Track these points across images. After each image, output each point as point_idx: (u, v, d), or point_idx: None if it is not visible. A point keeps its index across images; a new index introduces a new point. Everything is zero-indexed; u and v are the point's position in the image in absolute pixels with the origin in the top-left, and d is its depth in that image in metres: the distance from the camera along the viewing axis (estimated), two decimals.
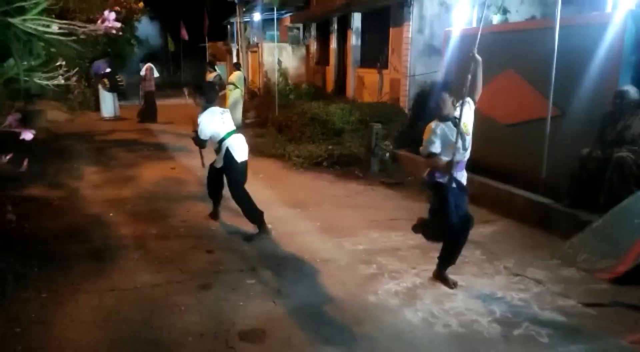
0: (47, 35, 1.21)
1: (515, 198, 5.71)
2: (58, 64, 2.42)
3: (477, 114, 7.00)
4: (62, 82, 2.39)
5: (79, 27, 1.24)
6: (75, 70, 2.37)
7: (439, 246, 4.75)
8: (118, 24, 1.26)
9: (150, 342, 3.15)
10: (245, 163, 5.12)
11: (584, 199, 4.96)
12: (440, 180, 3.82)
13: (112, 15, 1.23)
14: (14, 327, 3.24)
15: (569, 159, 5.31)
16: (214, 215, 5.63)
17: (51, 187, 6.66)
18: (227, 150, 4.97)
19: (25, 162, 1.59)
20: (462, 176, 3.92)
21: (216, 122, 4.99)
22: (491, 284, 4.03)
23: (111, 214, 5.64)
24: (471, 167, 6.61)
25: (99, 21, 1.24)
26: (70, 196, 6.34)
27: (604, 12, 5.58)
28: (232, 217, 5.65)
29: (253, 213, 5.09)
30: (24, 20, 1.20)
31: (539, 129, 5.84)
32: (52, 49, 1.83)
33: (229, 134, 5.02)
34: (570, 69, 5.51)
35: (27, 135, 1.35)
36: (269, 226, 5.23)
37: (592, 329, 3.38)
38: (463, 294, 3.83)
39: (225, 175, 5.16)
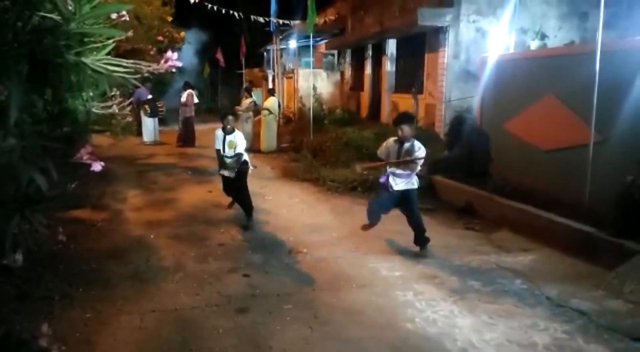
0: (114, 74, 1.31)
1: (556, 226, 5.57)
2: (112, 94, 2.57)
3: (516, 139, 7.00)
4: (117, 111, 2.53)
5: (144, 66, 1.34)
6: (129, 100, 2.49)
7: (479, 275, 4.75)
8: (180, 63, 1.35)
9: None
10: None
11: (629, 227, 4.80)
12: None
13: (175, 55, 1.32)
14: (60, 346, 3.34)
15: (612, 186, 5.18)
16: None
17: (95, 209, 6.90)
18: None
19: (90, 189, 1.69)
20: (397, 184, 5.29)
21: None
22: (533, 315, 3.92)
23: (152, 236, 5.79)
24: (510, 192, 6.62)
25: (162, 61, 1.34)
26: (113, 218, 6.55)
27: None
28: (270, 242, 5.73)
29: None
30: (94, 60, 1.31)
31: (580, 155, 5.73)
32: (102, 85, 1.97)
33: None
34: (612, 94, 5.42)
35: (97, 166, 1.44)
36: (304, 250, 5.34)
37: None
38: (504, 324, 3.75)
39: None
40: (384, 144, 5.48)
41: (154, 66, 1.35)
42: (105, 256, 5.10)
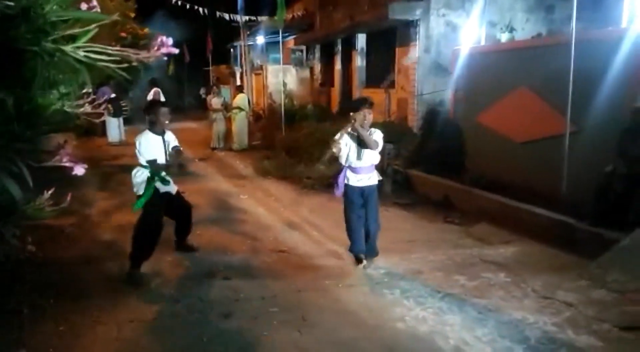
0: (99, 63, 1.15)
1: (535, 217, 5.60)
2: (85, 91, 2.37)
3: (490, 132, 7.02)
4: (90, 109, 2.33)
5: (133, 53, 1.17)
6: (103, 99, 2.28)
7: (463, 269, 4.70)
8: (176, 50, 1.19)
9: None
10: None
11: (608, 217, 4.85)
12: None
13: (170, 40, 1.16)
14: None
15: (587, 176, 5.23)
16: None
17: (62, 214, 6.54)
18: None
19: (69, 197, 1.51)
20: (359, 180, 4.71)
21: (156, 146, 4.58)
22: (521, 308, 3.89)
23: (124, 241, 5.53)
24: (486, 185, 6.63)
25: (155, 48, 1.18)
26: (82, 223, 6.24)
27: (620, 27, 5.54)
28: (249, 242, 5.56)
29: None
30: (76, 47, 1.14)
31: (555, 146, 5.77)
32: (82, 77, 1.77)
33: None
34: (585, 84, 5.46)
35: (79, 170, 1.27)
36: (286, 249, 5.20)
37: None
38: (494, 319, 3.70)
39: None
40: (338, 139, 4.61)
41: (144, 54, 1.19)
42: (76, 263, 4.82)
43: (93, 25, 1.15)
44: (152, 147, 4.52)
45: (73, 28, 1.22)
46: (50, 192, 1.38)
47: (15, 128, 1.22)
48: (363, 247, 4.75)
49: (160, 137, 4.61)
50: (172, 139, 4.72)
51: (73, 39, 1.26)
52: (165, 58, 1.23)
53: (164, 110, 4.69)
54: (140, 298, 4.10)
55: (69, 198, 1.49)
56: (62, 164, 1.27)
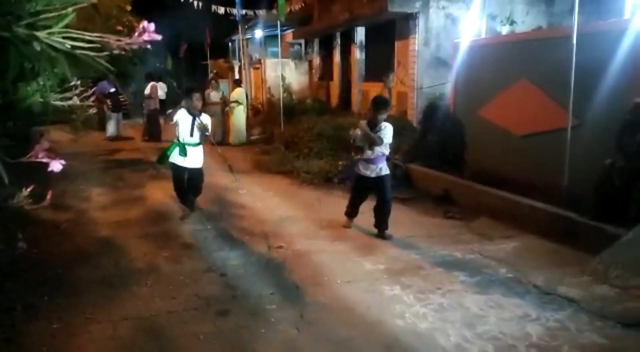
0: (77, 51, 1.07)
1: (536, 212, 5.53)
2: (72, 83, 2.28)
3: (490, 125, 6.94)
4: (78, 102, 2.24)
5: (113, 41, 1.09)
6: (92, 90, 2.20)
7: (463, 265, 4.64)
8: (158, 37, 1.12)
9: None
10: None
11: (610, 211, 4.78)
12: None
13: (152, 26, 1.08)
14: None
15: (588, 170, 5.16)
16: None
17: (57, 209, 6.48)
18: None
19: (49, 195, 1.44)
20: (368, 168, 5.42)
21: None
22: (523, 304, 3.83)
23: (120, 237, 5.46)
24: (487, 179, 6.55)
25: (136, 34, 1.10)
26: (78, 219, 6.17)
27: (622, 19, 5.45)
28: (247, 238, 5.49)
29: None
30: (50, 34, 1.06)
31: (557, 140, 5.69)
32: (56, 69, 1.69)
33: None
34: (587, 77, 5.37)
35: (56, 166, 1.20)
36: (284, 245, 5.15)
37: None
38: (495, 316, 3.64)
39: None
40: (358, 128, 5.46)
41: (126, 40, 1.11)
42: (71, 260, 4.76)
43: (70, 9, 1.06)
44: (182, 122, 5.79)
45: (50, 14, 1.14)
46: (29, 189, 1.30)
47: None
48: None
49: (192, 117, 5.79)
50: (206, 120, 5.97)
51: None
52: (148, 47, 1.14)
53: (197, 95, 5.95)
54: (135, 295, 4.04)
55: (49, 197, 1.41)
56: (38, 160, 1.18)
